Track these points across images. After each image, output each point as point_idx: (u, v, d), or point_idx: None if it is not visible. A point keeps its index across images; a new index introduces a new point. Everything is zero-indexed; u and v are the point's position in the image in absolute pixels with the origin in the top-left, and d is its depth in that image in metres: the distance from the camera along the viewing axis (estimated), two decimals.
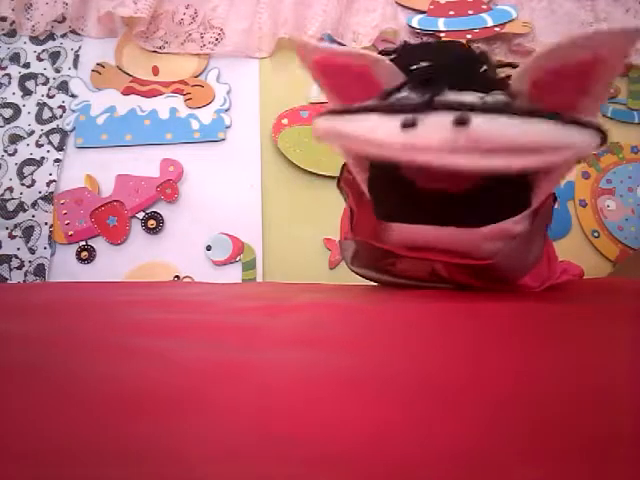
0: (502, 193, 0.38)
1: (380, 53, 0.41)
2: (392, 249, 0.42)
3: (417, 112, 0.34)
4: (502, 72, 0.41)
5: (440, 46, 0.41)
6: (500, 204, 0.38)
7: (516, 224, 0.38)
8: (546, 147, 0.32)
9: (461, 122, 0.32)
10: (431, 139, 0.33)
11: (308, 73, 0.41)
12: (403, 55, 0.41)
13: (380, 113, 0.36)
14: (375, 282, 0.49)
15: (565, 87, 0.33)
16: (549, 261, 0.45)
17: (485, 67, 0.40)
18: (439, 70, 0.37)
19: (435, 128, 0.33)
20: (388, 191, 0.42)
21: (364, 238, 0.45)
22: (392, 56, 0.41)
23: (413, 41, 1.19)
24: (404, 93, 0.37)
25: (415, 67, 0.38)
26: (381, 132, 0.35)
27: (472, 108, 0.33)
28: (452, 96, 0.35)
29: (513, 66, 0.41)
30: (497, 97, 0.36)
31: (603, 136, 0.33)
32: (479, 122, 0.32)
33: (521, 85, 0.35)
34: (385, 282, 0.47)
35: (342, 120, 0.38)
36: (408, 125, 0.33)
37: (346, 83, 0.39)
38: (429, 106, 0.34)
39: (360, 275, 0.50)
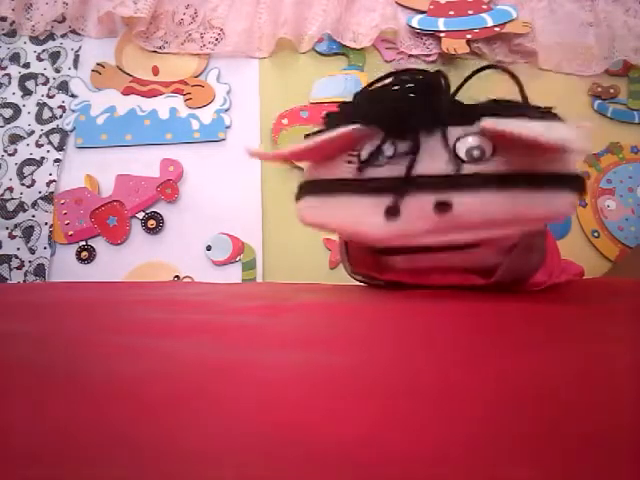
0: None
1: (339, 106, 0.42)
2: (395, 279, 0.42)
3: (397, 193, 0.35)
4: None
5: (399, 84, 0.40)
6: None
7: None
8: (525, 219, 0.34)
9: (442, 209, 0.34)
10: (415, 227, 0.35)
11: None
12: (363, 102, 0.41)
13: (360, 195, 0.37)
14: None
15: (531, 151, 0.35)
16: (550, 254, 0.45)
17: (449, 91, 0.40)
18: (406, 118, 0.38)
19: (418, 215, 0.35)
20: None
21: (364, 269, 0.45)
22: (354, 103, 0.42)
23: (412, 42, 1.19)
24: (382, 148, 0.38)
25: (382, 111, 0.39)
26: (366, 225, 0.36)
27: (450, 186, 0.34)
28: (424, 163, 0.36)
29: (499, 68, 0.41)
30: (471, 151, 0.36)
31: (581, 185, 0.34)
32: (459, 206, 0.34)
33: (488, 134, 0.36)
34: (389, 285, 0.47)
35: (323, 208, 0.39)
36: (392, 214, 0.35)
37: (320, 155, 0.40)
38: (408, 185, 0.35)
39: (362, 282, 0.50)
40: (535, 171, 0.34)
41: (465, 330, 0.29)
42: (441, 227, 0.34)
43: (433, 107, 0.37)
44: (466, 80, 0.41)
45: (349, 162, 0.39)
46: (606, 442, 0.15)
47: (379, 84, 0.41)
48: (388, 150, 0.38)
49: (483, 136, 0.36)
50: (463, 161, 0.35)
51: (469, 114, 0.37)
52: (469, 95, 0.40)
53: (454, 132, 0.37)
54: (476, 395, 0.19)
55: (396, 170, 0.37)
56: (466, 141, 0.36)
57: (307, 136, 0.40)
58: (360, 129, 0.39)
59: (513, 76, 0.40)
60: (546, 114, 0.37)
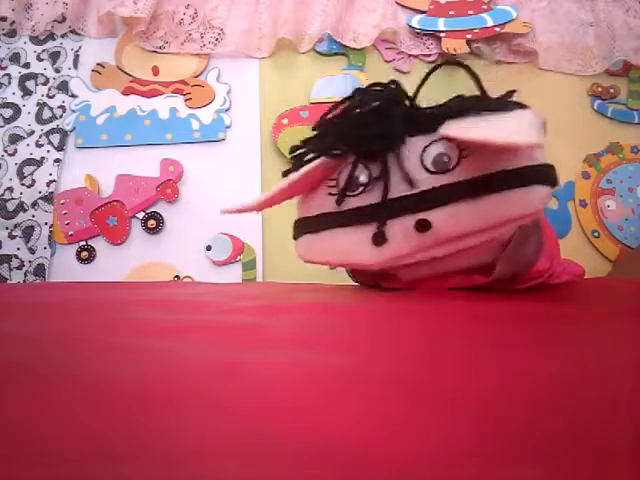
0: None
1: (303, 141, 0.45)
2: (396, 286, 0.43)
3: (379, 220, 0.38)
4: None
5: (358, 107, 0.41)
6: None
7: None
8: (500, 223, 0.36)
9: (423, 227, 0.36)
10: (403, 249, 0.38)
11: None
12: (327, 128, 0.44)
13: (345, 227, 0.40)
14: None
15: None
16: (549, 242, 0.45)
17: (410, 102, 0.41)
18: (377, 143, 0.39)
19: (403, 237, 0.38)
20: None
21: (367, 279, 0.46)
22: (319, 131, 0.44)
23: (412, 42, 1.19)
24: (358, 177, 0.40)
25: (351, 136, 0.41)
26: (358, 255, 0.40)
27: (428, 206, 0.37)
28: (397, 184, 0.38)
29: (460, 64, 0.41)
30: (439, 160, 0.37)
31: (551, 176, 0.35)
32: (438, 222, 0.36)
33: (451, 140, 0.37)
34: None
35: (316, 243, 0.42)
36: (380, 242, 0.38)
37: (301, 190, 0.44)
38: (387, 211, 0.38)
39: (363, 284, 0.50)
40: (504, 168, 0.35)
41: (465, 330, 0.29)
42: (425, 244, 0.37)
43: (391, 123, 0.39)
44: (423, 82, 0.42)
45: (330, 194, 0.42)
46: (608, 441, 0.15)
47: (338, 110, 0.43)
48: (362, 176, 0.40)
49: (447, 141, 0.37)
50: (432, 172, 0.37)
51: (430, 121, 0.38)
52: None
53: (419, 143, 0.38)
54: (477, 395, 0.19)
55: (374, 197, 0.39)
56: (430, 150, 0.37)
57: (285, 174, 0.44)
58: (328, 161, 0.41)
59: (468, 70, 0.40)
60: (506, 105, 0.38)
